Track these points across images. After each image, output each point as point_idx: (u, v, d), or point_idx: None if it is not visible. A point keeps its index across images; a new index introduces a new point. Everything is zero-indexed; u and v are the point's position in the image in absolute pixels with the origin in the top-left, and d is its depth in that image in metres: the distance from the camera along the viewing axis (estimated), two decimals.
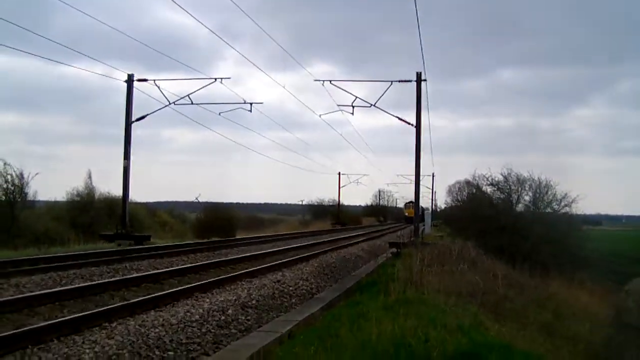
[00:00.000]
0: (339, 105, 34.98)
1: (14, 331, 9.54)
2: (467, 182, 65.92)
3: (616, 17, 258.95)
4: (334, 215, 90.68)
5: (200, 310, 12.35)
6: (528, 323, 16.19)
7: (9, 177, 35.43)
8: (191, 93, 33.31)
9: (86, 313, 11.04)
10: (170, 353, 9.43)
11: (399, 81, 33.45)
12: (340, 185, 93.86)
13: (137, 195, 54.48)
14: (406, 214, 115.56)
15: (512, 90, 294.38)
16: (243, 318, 12.60)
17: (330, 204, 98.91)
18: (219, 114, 35.19)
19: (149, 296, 13.43)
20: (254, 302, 14.28)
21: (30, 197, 37.92)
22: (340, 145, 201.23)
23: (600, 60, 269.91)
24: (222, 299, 14.01)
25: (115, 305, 12.24)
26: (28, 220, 35.49)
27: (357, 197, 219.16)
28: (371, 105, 34.21)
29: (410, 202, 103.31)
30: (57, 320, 10.34)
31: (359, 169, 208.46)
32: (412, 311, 12.06)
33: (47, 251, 24.24)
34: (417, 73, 33.51)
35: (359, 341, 9.38)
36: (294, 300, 15.65)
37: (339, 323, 11.25)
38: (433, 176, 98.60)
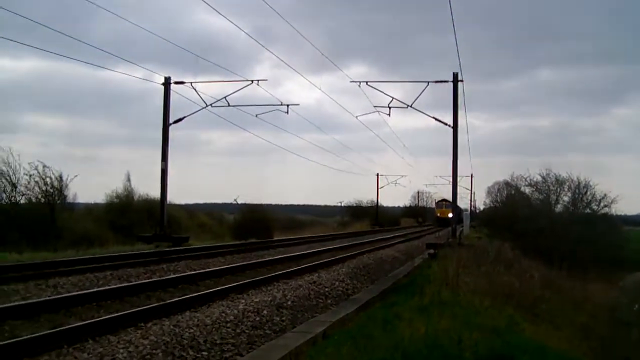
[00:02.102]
0: (375, 107, 34.87)
1: (50, 331, 9.68)
2: (506, 183, 65.68)
3: None
4: (373, 216, 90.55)
5: (235, 311, 12.40)
6: (564, 324, 16.08)
7: (48, 179, 35.76)
8: (228, 95, 33.43)
9: (121, 313, 11.16)
10: (204, 353, 9.50)
11: (436, 82, 33.27)
12: (379, 186, 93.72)
13: (176, 197, 54.76)
14: (437, 214, 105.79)
15: (550, 90, 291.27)
16: (278, 319, 12.63)
17: (369, 205, 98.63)
18: (256, 115, 35.32)
19: (184, 297, 13.52)
20: (289, 303, 14.31)
21: (69, 199, 38.25)
22: (377, 147, 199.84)
23: (638, 59, 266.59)
24: (257, 300, 14.05)
25: (151, 305, 12.34)
26: (67, 222, 35.81)
27: (395, 198, 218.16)
28: (408, 106, 34.07)
29: (443, 200, 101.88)
30: (92, 321, 10.46)
31: (397, 170, 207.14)
32: (446, 312, 12.03)
33: (85, 253, 24.50)
34: (453, 73, 33.30)
35: (392, 342, 9.37)
36: (329, 301, 15.65)
37: (373, 324, 11.25)
38: (472, 177, 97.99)
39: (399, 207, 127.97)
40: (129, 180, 44.37)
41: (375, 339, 9.70)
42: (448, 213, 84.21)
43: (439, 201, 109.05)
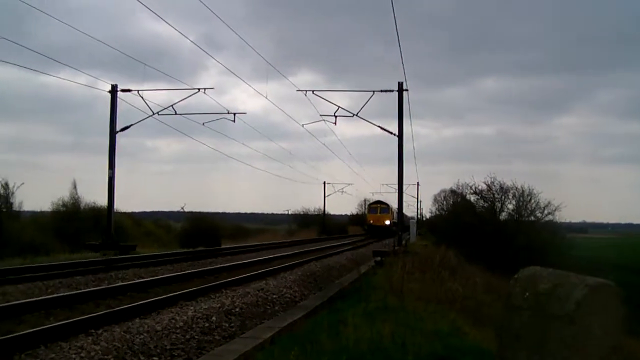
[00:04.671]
0: (321, 115, 35.26)
1: (1, 337, 9.78)
2: (452, 191, 66.47)
3: (599, 29, 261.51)
4: (320, 224, 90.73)
5: (185, 318, 12.62)
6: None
7: None
8: (175, 103, 33.65)
9: (72, 320, 11.28)
10: (155, 358, 9.71)
11: (381, 91, 33.77)
12: (326, 195, 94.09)
13: (123, 205, 54.38)
14: (370, 221, 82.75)
15: (495, 99, 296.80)
16: (227, 325, 12.88)
17: (316, 213, 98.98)
18: (203, 124, 35.52)
19: (133, 304, 13.65)
20: (237, 309, 14.55)
21: (15, 207, 38.00)
22: (325, 155, 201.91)
23: (584, 69, 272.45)
24: (206, 307, 14.26)
25: (101, 312, 12.48)
26: (13, 230, 35.48)
27: (343, 206, 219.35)
28: (353, 114, 34.54)
29: (377, 202, 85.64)
30: (43, 327, 10.55)
31: (344, 178, 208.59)
32: (391, 318, 12.34)
33: (33, 261, 24.38)
34: (398, 83, 33.83)
35: (337, 346, 9.66)
36: (277, 308, 15.93)
37: (320, 329, 11.52)
38: (418, 185, 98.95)
39: (346, 215, 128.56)
40: (75, 188, 44.05)
41: (321, 344, 9.97)
42: (385, 220, 79.69)
43: (371, 203, 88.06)
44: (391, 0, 21.09)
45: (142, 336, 10.69)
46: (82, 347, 9.68)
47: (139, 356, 9.66)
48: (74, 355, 9.21)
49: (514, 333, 5.91)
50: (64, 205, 43.01)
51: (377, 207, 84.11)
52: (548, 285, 5.80)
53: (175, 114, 33.90)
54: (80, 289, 16.66)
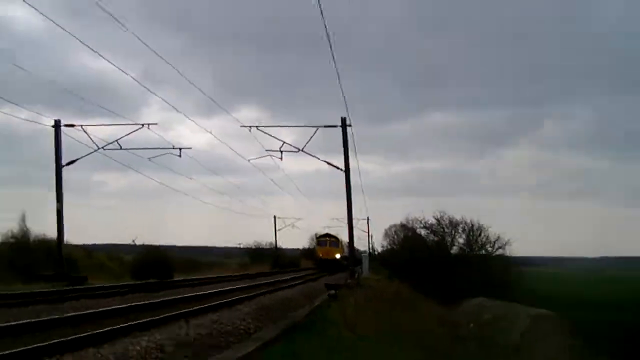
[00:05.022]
0: (267, 150, 35.74)
1: None
2: (402, 225, 66.95)
3: (543, 61, 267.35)
4: (273, 258, 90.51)
5: (138, 348, 12.52)
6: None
7: None
8: (119, 138, 34.01)
9: (23, 348, 11.10)
10: None
11: (325, 126, 34.33)
12: (277, 229, 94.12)
13: (75, 237, 54.09)
14: (320, 255, 78.82)
15: (440, 133, 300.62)
16: (181, 355, 12.82)
17: (268, 247, 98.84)
18: (149, 159, 35.61)
19: (87, 334, 13.50)
20: (192, 340, 14.49)
21: None
22: (274, 190, 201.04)
23: (526, 103, 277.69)
24: (160, 337, 14.16)
25: (54, 341, 12.31)
26: None
27: (294, 240, 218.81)
28: (299, 150, 34.80)
29: (326, 236, 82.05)
30: None
31: (294, 212, 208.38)
32: (344, 351, 12.44)
33: None
34: (342, 118, 34.27)
35: None
36: (231, 339, 15.86)
37: None
38: (368, 220, 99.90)
39: (298, 249, 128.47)
40: (23, 220, 43.59)
41: None
42: (335, 253, 76.51)
43: (320, 236, 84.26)
44: (328, 39, 21.36)
45: None
46: None
47: None
48: None
49: None
50: (13, 237, 42.54)
51: (327, 240, 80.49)
52: (491, 316, 5.91)
53: (121, 148, 34.02)
54: (29, 319, 16.38)
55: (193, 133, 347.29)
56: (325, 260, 75.45)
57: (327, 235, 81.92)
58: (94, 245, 70.56)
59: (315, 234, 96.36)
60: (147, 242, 54.88)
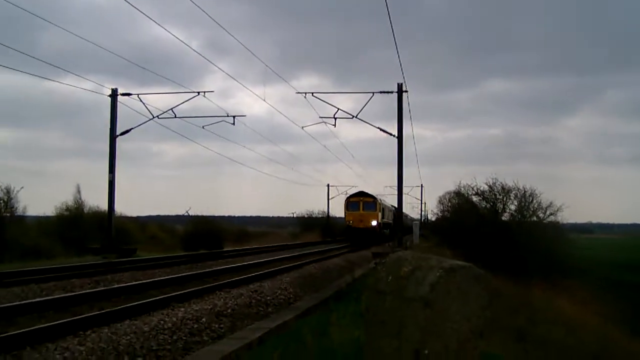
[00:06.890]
0: (320, 117, 35.35)
1: None
2: (457, 193, 66.40)
3: (604, 29, 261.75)
4: (324, 227, 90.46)
5: (174, 319, 12.66)
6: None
7: None
8: (175, 107, 33.73)
9: (61, 322, 11.33)
10: (139, 359, 9.77)
11: (381, 92, 33.89)
12: (329, 197, 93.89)
13: (129, 209, 54.76)
14: (349, 221, 58.73)
15: (500, 100, 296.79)
16: (216, 326, 12.93)
17: (320, 215, 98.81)
18: (202, 127, 35.58)
19: (124, 306, 13.69)
20: (229, 311, 14.60)
21: (19, 211, 38.11)
22: (328, 158, 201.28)
23: (589, 70, 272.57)
24: (197, 308, 14.30)
25: (91, 314, 12.51)
26: (16, 234, 35.56)
27: None
28: (353, 116, 34.59)
29: (358, 194, 61.21)
30: (31, 329, 10.60)
31: (347, 180, 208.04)
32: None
33: (33, 264, 24.47)
34: (398, 84, 33.94)
35: (323, 346, 9.70)
36: (270, 309, 15.97)
37: (308, 330, 11.55)
38: (422, 187, 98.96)
39: None
40: (79, 192, 44.16)
41: (307, 344, 10.01)
42: (371, 220, 57.87)
43: (351, 196, 61.64)
44: (386, 6, 21.19)
45: (129, 337, 10.75)
46: (67, 348, 9.74)
47: (124, 357, 9.73)
48: (57, 356, 9.29)
49: (380, 319, 5.85)
50: (67, 209, 43.18)
51: (359, 201, 59.13)
52: (409, 269, 5.75)
53: (175, 117, 34.01)
54: (75, 292, 16.69)
55: (255, 101, 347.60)
56: (357, 230, 57.00)
57: (361, 193, 61.39)
58: (149, 216, 71.23)
59: (345, 193, 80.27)
60: (201, 213, 55.09)
